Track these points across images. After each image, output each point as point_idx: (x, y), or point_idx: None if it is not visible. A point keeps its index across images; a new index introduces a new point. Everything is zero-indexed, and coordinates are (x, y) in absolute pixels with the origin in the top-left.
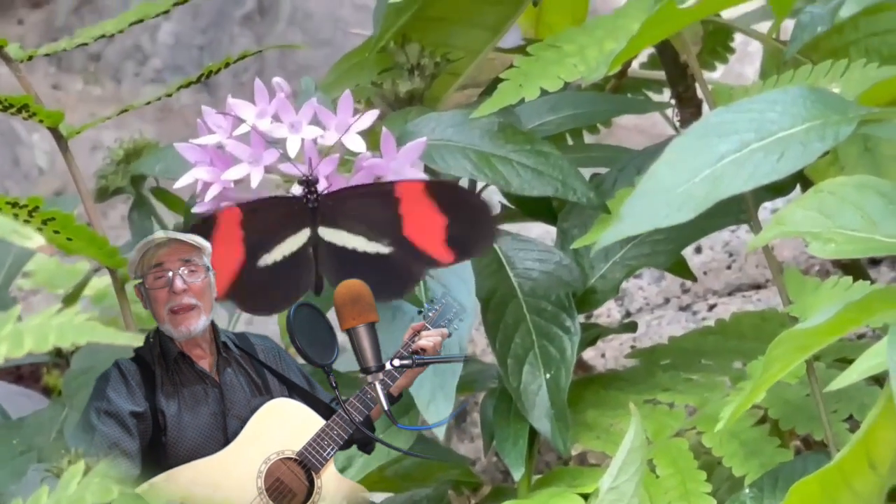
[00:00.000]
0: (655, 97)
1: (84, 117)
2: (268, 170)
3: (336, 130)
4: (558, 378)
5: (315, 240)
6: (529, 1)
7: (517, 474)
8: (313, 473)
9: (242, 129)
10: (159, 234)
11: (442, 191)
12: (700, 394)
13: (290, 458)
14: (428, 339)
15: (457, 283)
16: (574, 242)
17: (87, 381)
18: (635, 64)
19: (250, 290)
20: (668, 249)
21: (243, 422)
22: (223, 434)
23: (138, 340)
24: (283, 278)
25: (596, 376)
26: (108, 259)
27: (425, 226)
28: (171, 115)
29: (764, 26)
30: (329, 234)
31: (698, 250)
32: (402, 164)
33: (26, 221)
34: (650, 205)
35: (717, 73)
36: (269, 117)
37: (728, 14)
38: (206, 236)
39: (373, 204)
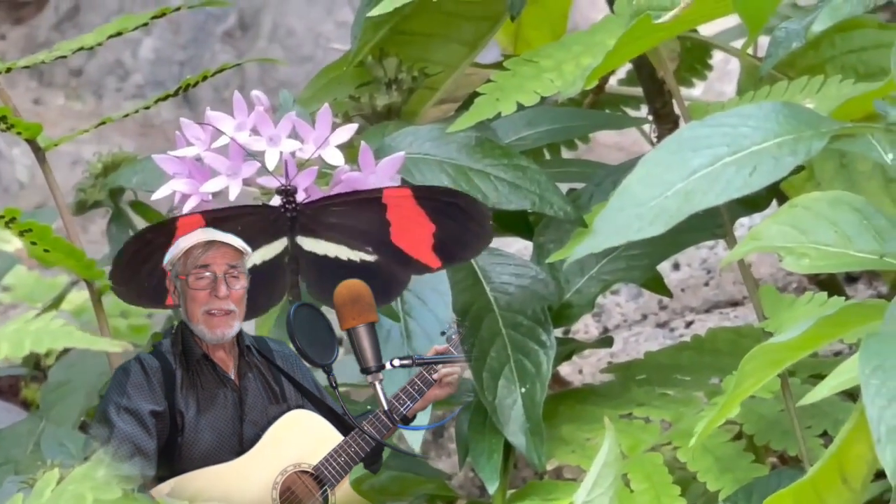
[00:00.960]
0: (633, 113)
1: (65, 132)
2: (246, 182)
3: (314, 144)
4: (534, 393)
5: (293, 249)
6: (507, 17)
7: (492, 488)
8: (328, 489)
9: (221, 141)
10: (208, 234)
11: (429, 196)
12: (675, 409)
13: (305, 472)
14: (451, 368)
15: (434, 296)
16: (550, 257)
17: (64, 394)
18: (613, 80)
19: None
20: (643, 265)
21: (259, 428)
22: (238, 439)
23: (114, 346)
24: (254, 288)
25: (571, 391)
26: (85, 271)
27: (413, 232)
28: (152, 131)
29: (742, 43)
30: (308, 244)
31: (676, 267)
32: (381, 178)
33: None
34: (623, 218)
35: (698, 91)
36: (248, 130)
37: (706, 31)
38: (166, 245)
39: (357, 211)
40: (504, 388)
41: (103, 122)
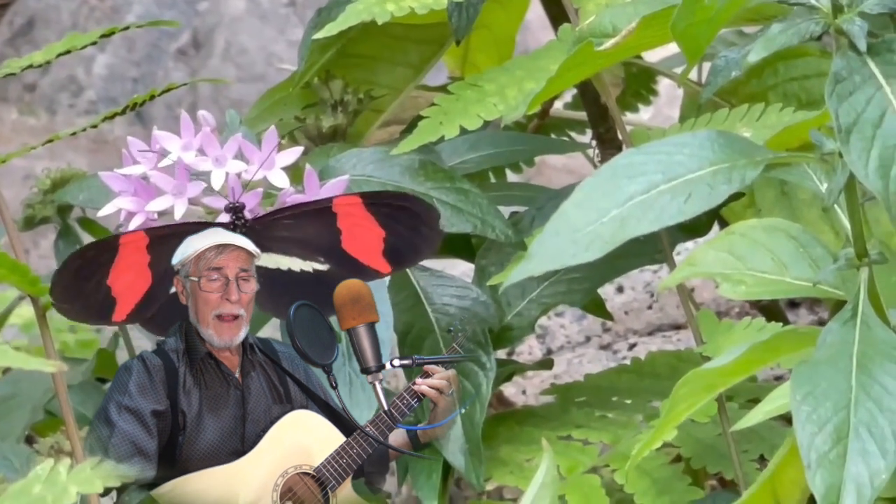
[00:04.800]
0: (579, 137)
1: (18, 147)
2: (192, 202)
3: (260, 165)
4: (473, 413)
5: None
6: (452, 41)
7: None
8: (329, 491)
9: (167, 160)
10: (220, 237)
11: (379, 202)
12: (614, 431)
13: (307, 473)
14: (437, 380)
15: None
16: (491, 279)
17: (10, 409)
18: (559, 104)
19: (160, 313)
20: (583, 288)
21: (261, 428)
22: (240, 439)
23: (49, 366)
24: None
25: (511, 412)
26: (29, 287)
27: (364, 238)
28: (104, 147)
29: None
30: (260, 259)
31: (620, 290)
32: None
33: None
34: (558, 244)
35: (647, 115)
36: (195, 150)
37: (653, 57)
38: (108, 262)
39: (308, 222)
40: None
41: (50, 140)
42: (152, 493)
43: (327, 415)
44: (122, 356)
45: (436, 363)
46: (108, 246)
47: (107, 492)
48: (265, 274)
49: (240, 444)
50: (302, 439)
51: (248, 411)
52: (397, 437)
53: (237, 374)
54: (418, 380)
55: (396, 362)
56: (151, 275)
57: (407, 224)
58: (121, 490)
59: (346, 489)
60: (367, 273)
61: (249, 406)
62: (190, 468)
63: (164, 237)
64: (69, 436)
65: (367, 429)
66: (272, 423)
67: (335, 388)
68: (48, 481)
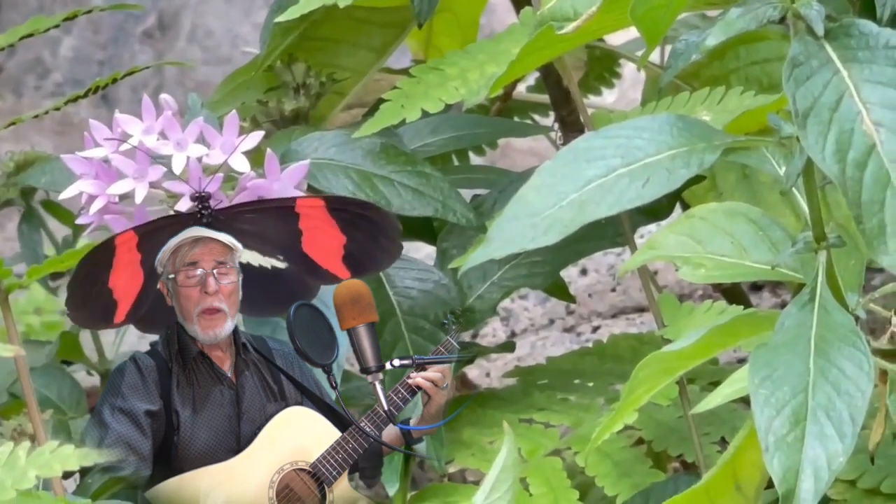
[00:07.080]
0: (542, 120)
1: None
2: (153, 186)
3: (221, 149)
4: None
5: None
6: (415, 24)
7: (391, 490)
8: (325, 487)
9: (129, 144)
10: (194, 232)
11: (341, 208)
12: (576, 414)
13: (303, 470)
14: (432, 373)
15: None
16: (452, 262)
17: None
18: (522, 87)
19: (150, 309)
20: (544, 272)
21: (256, 426)
22: (236, 438)
23: (8, 352)
24: None
25: (473, 394)
26: None
27: (324, 242)
28: (70, 129)
29: (653, 53)
30: (240, 252)
31: (583, 272)
32: (286, 185)
33: None
34: (517, 227)
35: (612, 98)
36: (156, 134)
37: (617, 40)
38: (108, 264)
39: (270, 219)
40: None
41: (13, 123)
42: (146, 494)
43: (322, 411)
44: (85, 339)
45: (435, 362)
46: (106, 248)
47: (70, 474)
48: None
49: (235, 443)
50: (297, 436)
51: (243, 410)
52: (390, 432)
53: (230, 374)
54: (413, 373)
55: (397, 362)
56: (143, 272)
57: (367, 232)
58: (83, 473)
59: (342, 484)
60: (325, 277)
61: (244, 405)
62: (186, 468)
63: (150, 233)
64: (31, 418)
65: (363, 424)
66: (267, 420)
67: (335, 387)
68: (7, 465)
